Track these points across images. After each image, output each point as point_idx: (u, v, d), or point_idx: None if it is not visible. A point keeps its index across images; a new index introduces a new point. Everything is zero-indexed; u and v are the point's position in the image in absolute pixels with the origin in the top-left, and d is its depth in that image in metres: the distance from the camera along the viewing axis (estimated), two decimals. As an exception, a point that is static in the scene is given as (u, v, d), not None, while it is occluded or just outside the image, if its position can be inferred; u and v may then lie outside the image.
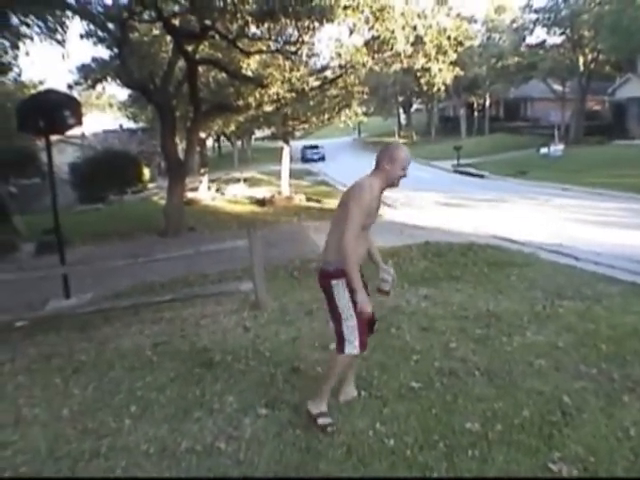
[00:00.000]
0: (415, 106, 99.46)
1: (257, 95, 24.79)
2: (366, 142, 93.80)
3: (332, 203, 30.05)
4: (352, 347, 6.19)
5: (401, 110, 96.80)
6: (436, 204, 28.75)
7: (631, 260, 14.20)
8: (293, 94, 24.62)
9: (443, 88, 25.62)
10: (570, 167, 39.72)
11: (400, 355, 8.05)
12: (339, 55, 24.36)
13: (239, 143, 68.02)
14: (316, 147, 75.01)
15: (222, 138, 66.90)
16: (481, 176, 42.24)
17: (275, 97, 24.69)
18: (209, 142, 68.81)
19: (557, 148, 48.76)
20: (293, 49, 22.19)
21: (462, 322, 9.31)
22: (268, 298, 11.37)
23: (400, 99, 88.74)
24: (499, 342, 8.34)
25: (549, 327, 8.86)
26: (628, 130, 56.61)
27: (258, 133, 56.34)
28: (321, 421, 6.23)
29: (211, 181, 42.47)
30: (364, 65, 23.41)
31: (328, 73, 25.93)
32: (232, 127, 35.97)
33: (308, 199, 32.15)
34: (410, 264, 13.93)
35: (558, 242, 16.69)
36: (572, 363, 7.45)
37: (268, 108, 25.94)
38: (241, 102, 25.48)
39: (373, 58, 23.17)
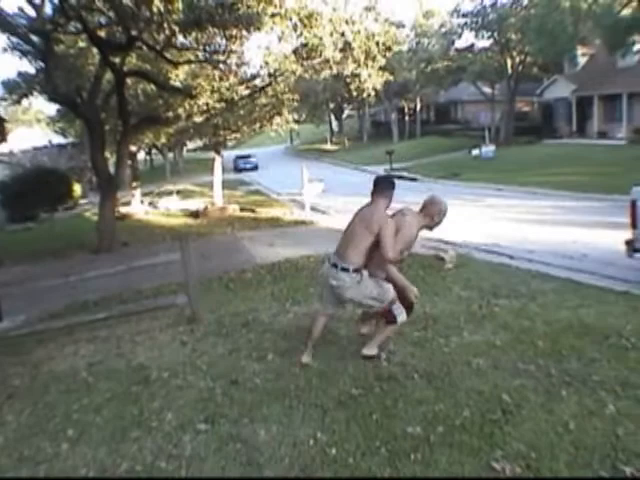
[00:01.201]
0: (347, 112, 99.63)
1: (187, 106, 24.55)
2: (298, 150, 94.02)
3: (266, 212, 30.17)
4: (402, 316, 7.78)
5: (333, 117, 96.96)
6: (370, 209, 28.46)
7: (563, 256, 14.43)
8: (223, 104, 24.41)
9: (373, 93, 25.66)
10: (502, 167, 40.16)
11: (339, 362, 7.99)
12: (267, 63, 24.22)
13: (171, 155, 67.52)
14: (248, 156, 74.50)
15: (154, 150, 66.15)
16: (414, 179, 42.36)
17: (205, 107, 24.47)
18: (141, 155, 68.12)
19: (488, 149, 49.25)
20: (222, 58, 22.04)
21: (400, 326, 9.26)
22: (204, 311, 11.22)
23: (331, 105, 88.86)
24: (437, 344, 8.36)
25: (486, 326, 8.92)
26: (556, 130, 57.68)
27: (190, 144, 55.96)
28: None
29: (144, 194, 41.87)
30: (293, 73, 23.34)
31: (258, 82, 25.76)
32: (163, 139, 35.58)
33: (242, 209, 31.90)
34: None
35: (493, 242, 16.86)
36: (510, 361, 7.50)
37: (198, 119, 25.71)
38: (170, 114, 25.20)
39: (302, 65, 23.11)
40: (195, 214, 31.66)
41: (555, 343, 7.91)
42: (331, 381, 7.39)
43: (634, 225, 11.18)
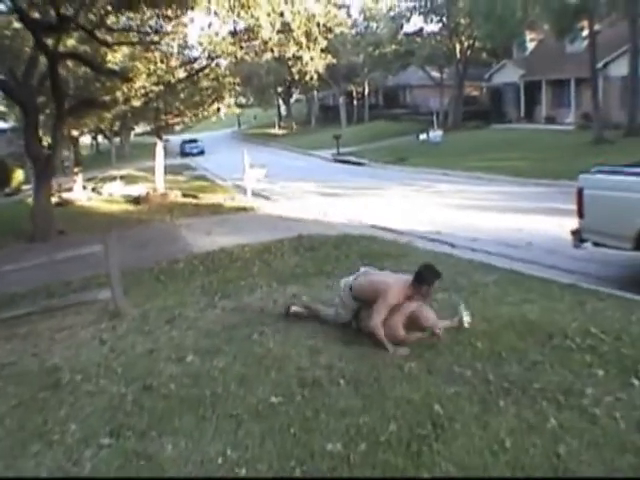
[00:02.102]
0: (295, 96, 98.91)
1: (125, 89, 23.65)
2: (246, 134, 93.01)
3: (208, 198, 29.50)
4: None
5: (281, 101, 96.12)
6: (315, 194, 28.21)
7: (508, 245, 13.98)
8: (161, 87, 23.57)
9: (316, 76, 25.02)
10: (449, 152, 39.80)
11: (261, 365, 7.36)
12: (201, 44, 23.44)
13: (117, 140, 66.22)
14: (195, 141, 73.45)
15: (100, 135, 64.70)
16: (361, 164, 42.01)
17: (143, 91, 23.61)
18: (86, 140, 66.75)
19: (436, 134, 48.92)
20: (156, 39, 21.15)
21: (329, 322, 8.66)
22: (130, 305, 10.58)
23: (279, 90, 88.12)
24: (368, 343, 7.69)
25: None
26: (505, 114, 57.61)
27: (138, 129, 54.81)
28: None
29: (87, 180, 40.87)
30: (232, 55, 22.58)
31: (197, 65, 24.99)
32: (106, 123, 34.59)
33: (184, 195, 31.08)
34: (281, 260, 13.28)
35: (436, 229, 16.36)
36: (445, 364, 6.88)
37: (136, 103, 24.83)
38: (108, 97, 24.26)
39: (241, 48, 22.36)
40: (137, 200, 30.73)
41: (495, 343, 7.30)
42: (250, 387, 6.76)
43: (580, 214, 10.62)
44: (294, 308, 9.12)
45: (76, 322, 10.22)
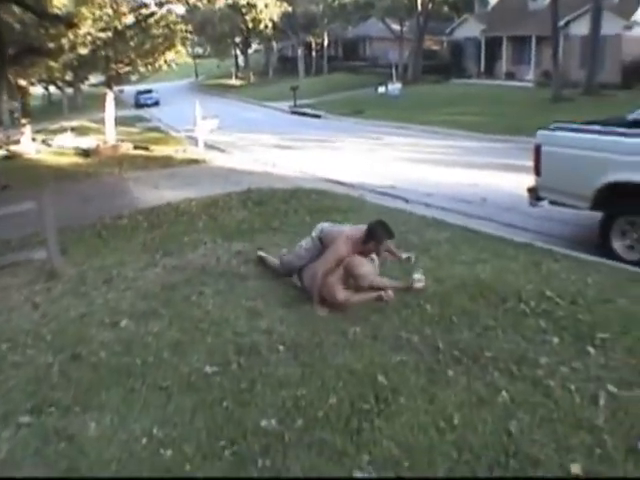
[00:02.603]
0: (254, 47, 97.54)
1: (71, 36, 22.69)
2: (203, 85, 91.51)
3: (161, 150, 28.66)
4: None
5: (239, 52, 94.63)
6: (268, 146, 27.58)
7: (462, 200, 13.65)
8: (108, 34, 22.67)
9: (272, 25, 24.42)
10: (408, 106, 39.34)
11: (197, 330, 6.93)
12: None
13: (70, 90, 64.65)
14: (150, 92, 71.15)
15: (52, 85, 63.09)
16: (317, 116, 41.44)
17: (90, 38, 22.69)
18: (38, 90, 65.09)
19: (395, 87, 48.26)
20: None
21: (273, 283, 8.21)
22: (66, 265, 10.02)
23: (237, 40, 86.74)
24: (311, 305, 7.26)
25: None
26: (465, 69, 57.40)
27: (93, 79, 53.53)
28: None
29: (37, 132, 39.74)
30: (182, 1, 21.78)
31: (145, 11, 24.13)
32: (56, 73, 33.45)
33: (136, 147, 30.18)
34: (228, 215, 12.75)
35: (390, 183, 15.93)
36: (392, 329, 6.48)
37: (83, 50, 23.88)
38: (52, 45, 23.29)
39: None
40: (86, 153, 29.83)
41: (446, 306, 6.90)
42: (184, 355, 6.33)
43: (538, 172, 10.22)
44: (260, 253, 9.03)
45: (11, 284, 9.63)
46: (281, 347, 6.24)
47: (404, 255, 7.96)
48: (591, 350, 5.70)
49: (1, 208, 11.54)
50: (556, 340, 5.93)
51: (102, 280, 9.18)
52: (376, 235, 7.11)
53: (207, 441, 4.80)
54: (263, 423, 4.92)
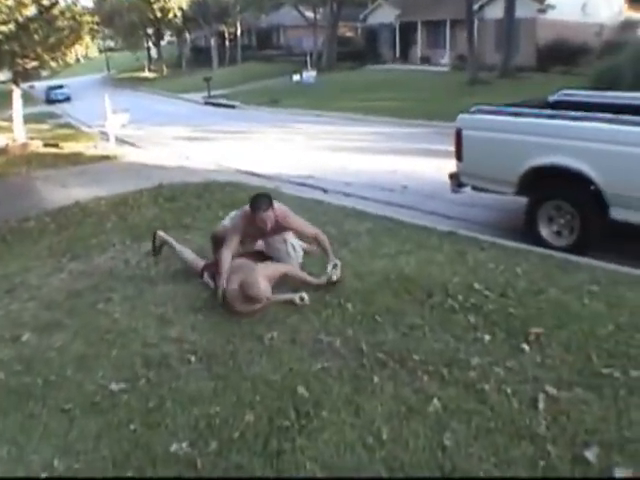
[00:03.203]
0: (167, 39, 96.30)
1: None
2: (116, 79, 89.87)
3: (72, 147, 27.62)
4: None
5: (151, 44, 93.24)
6: (182, 139, 26.85)
7: (383, 189, 13.29)
8: (10, 27, 21.69)
9: (181, 14, 23.75)
10: (323, 93, 39.05)
11: (104, 342, 6.37)
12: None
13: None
14: (61, 87, 69.09)
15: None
16: (232, 107, 40.86)
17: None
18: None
19: (309, 75, 48.10)
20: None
21: (185, 286, 7.68)
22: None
23: (149, 31, 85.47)
24: (224, 309, 6.75)
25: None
26: (380, 55, 57.31)
27: (1, 76, 51.96)
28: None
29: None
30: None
31: (47, 1, 23.19)
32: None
33: (46, 144, 29.20)
34: (137, 213, 12.13)
35: (307, 173, 15.47)
36: (312, 332, 6.02)
37: (-19, 44, 22.84)
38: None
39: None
40: (-6, 152, 28.79)
41: (368, 304, 6.47)
42: (89, 371, 5.78)
43: (459, 157, 9.87)
44: (160, 233, 8.73)
45: None
46: (192, 358, 5.73)
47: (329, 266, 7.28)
48: (525, 347, 5.33)
49: None
50: (487, 337, 5.54)
51: (4, 290, 8.54)
52: (257, 205, 7.03)
53: (113, 472, 4.30)
54: (173, 447, 4.43)
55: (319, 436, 4.36)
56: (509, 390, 4.69)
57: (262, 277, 6.65)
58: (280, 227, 7.27)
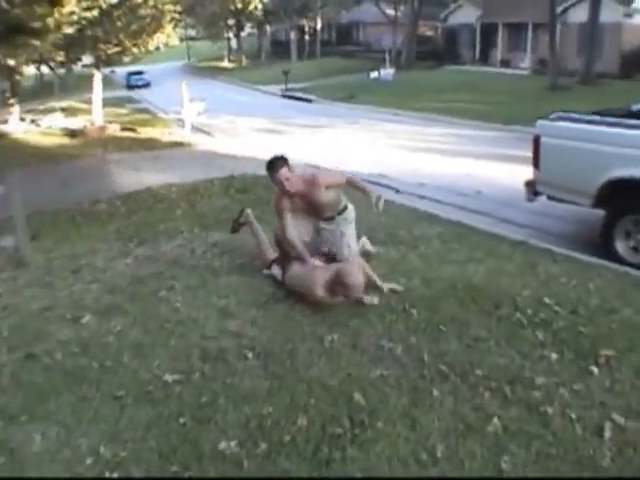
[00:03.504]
0: (247, 30, 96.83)
1: (57, 15, 21.94)
2: (195, 67, 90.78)
3: (148, 132, 28.16)
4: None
5: (232, 34, 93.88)
6: (258, 130, 26.96)
7: (457, 193, 13.06)
8: (93, 13, 21.96)
9: (261, 7, 23.77)
10: (401, 91, 38.68)
11: (162, 330, 6.35)
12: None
13: (63, 71, 64.01)
14: (141, 73, 69.95)
15: (44, 66, 62.37)
16: (309, 100, 40.76)
17: (75, 17, 21.96)
18: (31, 70, 64.42)
19: (387, 72, 47.82)
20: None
21: (249, 278, 7.59)
22: (35, 253, 9.48)
23: (230, 22, 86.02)
24: (287, 305, 6.71)
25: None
26: (459, 56, 56.56)
27: (86, 60, 52.88)
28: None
29: (27, 112, 39.20)
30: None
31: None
32: (46, 53, 32.79)
33: (123, 129, 29.73)
34: (208, 202, 12.20)
35: (380, 172, 15.29)
36: (374, 336, 5.88)
37: (69, 30, 23.13)
38: (38, 24, 22.52)
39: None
40: (73, 134, 29.33)
41: (433, 312, 6.29)
42: (145, 359, 5.75)
43: (536, 165, 9.59)
44: (248, 211, 8.59)
45: (-24, 272, 9.08)
46: (250, 354, 5.64)
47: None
48: (594, 369, 5.08)
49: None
50: (555, 356, 5.31)
51: (70, 270, 8.65)
52: (267, 171, 7.06)
53: (158, 464, 4.25)
54: (222, 446, 4.35)
55: (371, 448, 4.22)
56: (574, 415, 4.48)
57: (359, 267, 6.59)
58: (313, 189, 6.99)
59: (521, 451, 4.11)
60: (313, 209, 7.14)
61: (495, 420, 4.44)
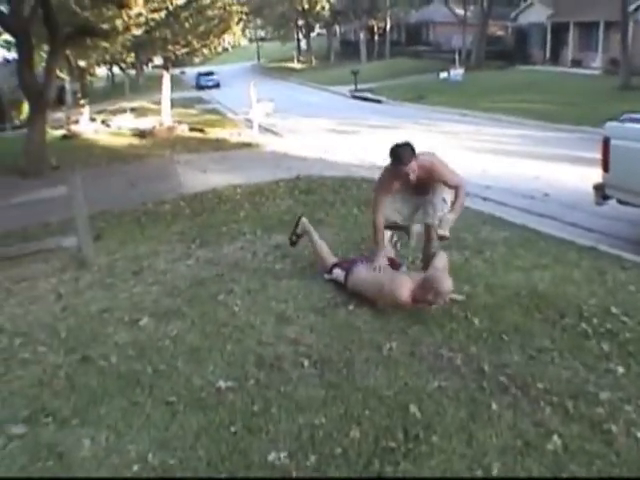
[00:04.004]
0: (317, 31, 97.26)
1: (125, 17, 22.24)
2: (265, 67, 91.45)
3: (216, 132, 28.37)
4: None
5: (301, 35, 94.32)
6: (326, 131, 26.99)
7: (523, 195, 12.83)
8: (161, 14, 22.23)
9: (329, 7, 23.81)
10: (470, 92, 38.37)
11: (219, 335, 6.27)
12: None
13: (133, 72, 64.96)
14: (211, 73, 71.11)
15: (116, 67, 63.33)
16: (378, 101, 40.73)
17: (143, 19, 22.25)
18: (102, 71, 65.64)
19: (457, 72, 47.53)
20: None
21: (309, 283, 7.49)
22: (96, 254, 9.54)
23: (300, 23, 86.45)
24: (346, 311, 6.58)
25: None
26: (530, 56, 56.08)
27: (157, 61, 53.64)
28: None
29: (98, 112, 39.95)
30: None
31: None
32: (116, 54, 33.39)
33: (191, 129, 30.02)
34: (272, 204, 12.15)
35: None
36: (433, 345, 5.70)
37: (137, 32, 23.47)
38: (105, 26, 22.85)
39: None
40: (142, 134, 29.70)
41: (496, 321, 6.10)
42: (200, 364, 5.67)
43: (605, 167, 9.34)
44: (304, 220, 8.30)
45: (40, 271, 9.20)
46: (306, 362, 5.53)
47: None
48: (663, 384, 4.87)
49: (40, 191, 11.13)
50: (621, 370, 5.07)
51: (131, 271, 8.69)
52: (393, 158, 6.89)
53: (206, 472, 4.17)
54: (271, 456, 4.24)
55: (425, 462, 4.07)
56: (639, 434, 4.28)
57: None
58: (428, 178, 7.06)
59: (582, 470, 3.92)
60: (417, 189, 7.25)
61: (555, 437, 4.24)
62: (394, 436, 4.36)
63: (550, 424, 4.40)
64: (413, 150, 6.83)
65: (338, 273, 7.24)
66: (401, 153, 6.77)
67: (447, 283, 6.17)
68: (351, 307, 6.66)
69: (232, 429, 4.60)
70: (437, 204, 7.09)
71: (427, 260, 7.19)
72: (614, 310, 6.20)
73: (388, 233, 7.83)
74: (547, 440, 4.22)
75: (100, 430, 4.72)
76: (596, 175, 9.84)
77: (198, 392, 5.17)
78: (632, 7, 38.73)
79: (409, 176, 6.75)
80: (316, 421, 4.61)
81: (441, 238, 6.88)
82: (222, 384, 5.25)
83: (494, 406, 4.66)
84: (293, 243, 8.37)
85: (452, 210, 6.90)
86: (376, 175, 13.80)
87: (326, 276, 7.48)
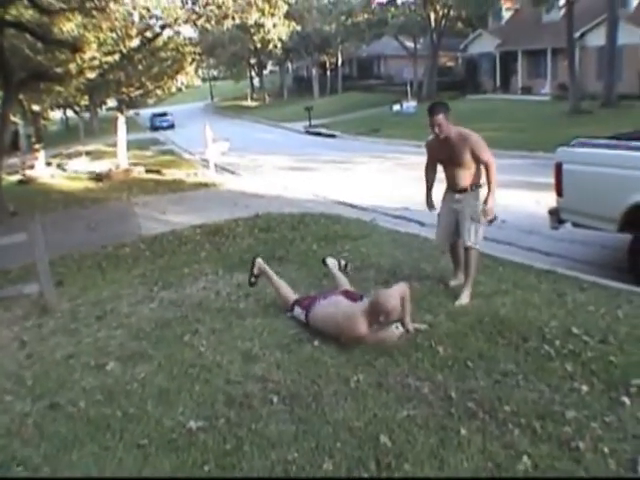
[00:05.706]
0: (269, 68, 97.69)
1: (78, 61, 22.18)
2: (218, 107, 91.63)
3: (173, 173, 28.22)
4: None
5: (254, 72, 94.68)
6: (282, 168, 26.99)
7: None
8: (115, 58, 22.21)
9: (280, 45, 24.01)
10: (423, 123, 36.81)
11: (187, 376, 6.29)
12: (148, 10, 22.06)
13: (87, 115, 64.69)
14: (165, 114, 70.89)
15: (69, 110, 63.05)
16: (333, 136, 40.88)
17: (97, 62, 22.21)
18: (57, 115, 65.22)
19: (410, 105, 48.01)
20: (99, 4, 19.60)
21: (273, 320, 7.52)
22: (60, 299, 9.53)
23: (252, 61, 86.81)
24: (311, 347, 6.62)
25: (378, 323, 7.10)
26: (480, 85, 56.87)
27: (110, 103, 53.56)
28: None
29: (53, 156, 39.69)
30: (188, 22, 21.22)
31: (150, 34, 23.62)
32: (70, 98, 33.21)
33: (148, 171, 29.94)
34: (232, 243, 12.17)
35: (404, 205, 15.18)
36: (400, 375, 5.78)
37: (91, 75, 23.40)
38: (59, 70, 22.79)
39: (196, 14, 21.00)
40: (99, 177, 29.55)
41: (460, 348, 6.19)
42: (170, 406, 5.68)
43: (559, 192, 9.50)
44: (259, 260, 8.34)
45: (2, 319, 9.17)
46: (275, 398, 5.56)
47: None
48: (626, 400, 4.96)
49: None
50: (585, 388, 5.19)
51: (95, 316, 8.66)
52: (428, 111, 7.75)
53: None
54: (246, 494, 4.26)
55: (399, 491, 4.13)
56: (606, 449, 4.35)
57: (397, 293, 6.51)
58: (463, 147, 7.73)
59: (552, 489, 4.00)
60: (450, 169, 8.18)
61: (525, 458, 4.32)
62: (367, 466, 4.41)
63: (519, 445, 4.49)
64: (444, 108, 7.69)
65: (299, 312, 7.31)
66: (432, 106, 7.73)
67: (391, 300, 6.26)
68: (316, 343, 6.70)
69: (205, 468, 4.64)
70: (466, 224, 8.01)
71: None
72: (575, 331, 6.32)
73: (335, 262, 8.26)
74: (517, 461, 4.31)
75: (73, 474, 4.71)
76: (550, 199, 9.99)
77: (169, 434, 5.17)
78: (577, 34, 39.47)
79: (433, 128, 7.60)
80: (289, 456, 4.64)
81: (490, 221, 8.15)
82: (193, 424, 5.25)
83: (463, 431, 4.73)
84: (252, 284, 8.40)
85: (489, 193, 7.88)
86: (333, 210, 14.06)
87: (288, 314, 7.54)
